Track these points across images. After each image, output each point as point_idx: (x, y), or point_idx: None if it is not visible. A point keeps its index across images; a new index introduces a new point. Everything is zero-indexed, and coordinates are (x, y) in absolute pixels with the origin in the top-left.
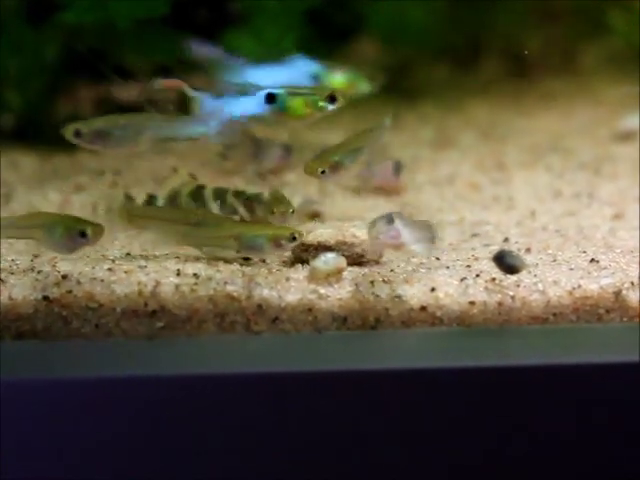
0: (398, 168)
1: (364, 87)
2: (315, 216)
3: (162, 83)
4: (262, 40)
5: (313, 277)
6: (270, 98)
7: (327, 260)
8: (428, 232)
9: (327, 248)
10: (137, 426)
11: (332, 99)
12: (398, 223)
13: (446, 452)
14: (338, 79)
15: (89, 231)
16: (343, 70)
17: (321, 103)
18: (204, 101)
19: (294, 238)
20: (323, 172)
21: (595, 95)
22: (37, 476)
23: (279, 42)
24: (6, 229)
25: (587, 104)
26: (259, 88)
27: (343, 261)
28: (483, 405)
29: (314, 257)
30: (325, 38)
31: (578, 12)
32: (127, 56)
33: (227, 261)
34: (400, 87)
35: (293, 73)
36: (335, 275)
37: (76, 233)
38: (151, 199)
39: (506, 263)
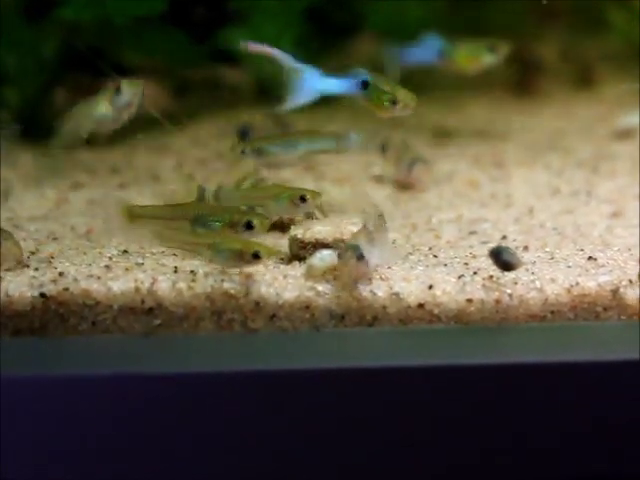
0: (412, 164)
1: (488, 59)
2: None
3: (251, 47)
4: (260, 38)
5: (310, 274)
6: (364, 84)
7: (323, 257)
8: (385, 237)
9: (325, 245)
10: (134, 423)
11: (393, 102)
12: (367, 254)
13: (444, 450)
14: (462, 52)
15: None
16: (467, 44)
17: (386, 103)
18: (305, 74)
19: (257, 256)
20: (243, 152)
21: (594, 93)
22: (35, 472)
23: (277, 40)
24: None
25: (586, 102)
26: (358, 73)
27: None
28: (481, 403)
29: (312, 254)
30: (324, 36)
31: (578, 10)
32: (125, 54)
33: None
34: (399, 84)
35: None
36: (332, 272)
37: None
38: (219, 190)
39: (502, 259)
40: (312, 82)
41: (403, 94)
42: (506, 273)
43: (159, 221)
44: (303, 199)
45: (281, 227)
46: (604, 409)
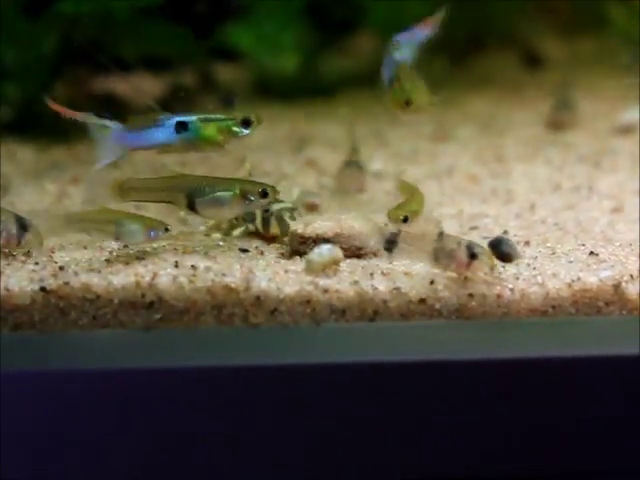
0: (360, 168)
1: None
2: (313, 208)
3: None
4: (260, 33)
5: (309, 269)
6: (181, 127)
7: (321, 252)
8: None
9: (325, 240)
10: (135, 418)
11: (246, 123)
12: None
13: (445, 444)
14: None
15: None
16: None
17: (235, 128)
18: (113, 132)
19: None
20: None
21: (595, 88)
22: (35, 467)
23: (278, 36)
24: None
25: (587, 97)
26: (169, 117)
27: (339, 252)
28: (482, 398)
29: (312, 249)
30: (324, 32)
31: (578, 6)
32: (125, 47)
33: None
34: None
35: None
36: (331, 266)
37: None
38: None
39: (501, 250)
40: (120, 139)
41: (242, 115)
42: (506, 266)
43: (151, 194)
44: (264, 194)
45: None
46: (605, 404)
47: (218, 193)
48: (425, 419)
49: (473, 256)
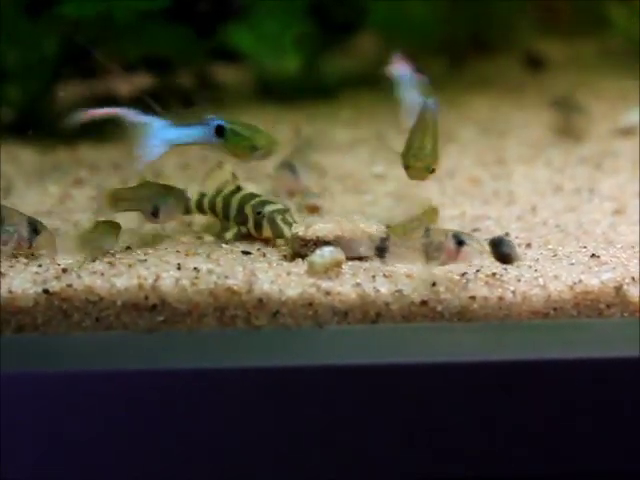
0: (294, 171)
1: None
2: (314, 210)
3: (89, 113)
4: (262, 34)
5: (311, 271)
6: (219, 131)
7: (323, 253)
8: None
9: (326, 243)
10: (137, 419)
11: (253, 149)
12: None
13: (446, 446)
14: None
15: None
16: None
17: (247, 150)
18: (151, 127)
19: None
20: None
21: (595, 90)
22: (37, 468)
23: (279, 36)
24: None
25: (588, 99)
26: (211, 119)
27: (341, 254)
28: (484, 400)
29: (313, 252)
30: (326, 33)
31: (578, 7)
32: (127, 49)
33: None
34: None
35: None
36: (334, 268)
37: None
38: (202, 197)
39: (501, 251)
40: (162, 134)
41: (263, 139)
42: (508, 268)
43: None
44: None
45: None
46: (607, 406)
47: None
48: (427, 421)
49: (460, 243)
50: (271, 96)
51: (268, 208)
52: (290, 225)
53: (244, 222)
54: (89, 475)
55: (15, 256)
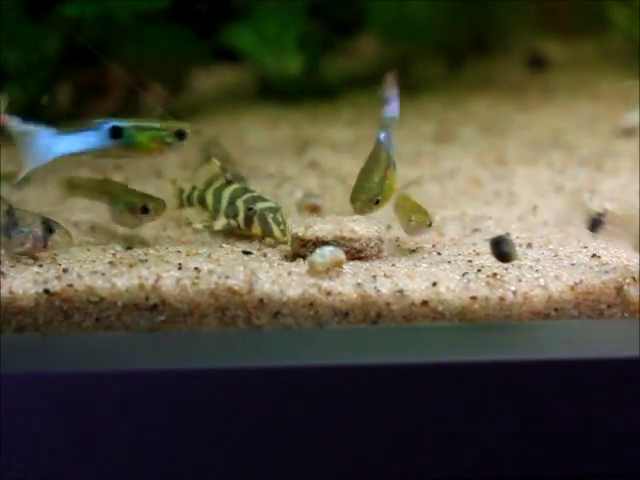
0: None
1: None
2: (315, 210)
3: None
4: (263, 35)
5: (312, 270)
6: (116, 132)
7: (323, 253)
8: None
9: (325, 243)
10: (138, 420)
11: (180, 135)
12: None
13: (446, 447)
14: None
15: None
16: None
17: (169, 139)
18: (35, 136)
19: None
20: None
21: (596, 90)
22: (37, 468)
23: (280, 37)
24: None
25: (588, 99)
26: (104, 122)
27: (341, 254)
28: (484, 400)
29: (312, 252)
30: (327, 34)
31: (578, 8)
32: (128, 50)
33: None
34: (401, 82)
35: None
36: (334, 268)
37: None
38: (193, 190)
39: (500, 249)
40: (47, 144)
41: (186, 125)
42: (509, 269)
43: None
44: (145, 209)
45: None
46: (608, 406)
47: (113, 205)
48: (427, 421)
49: None
50: (272, 96)
51: (260, 205)
52: (280, 224)
53: (234, 216)
54: (89, 475)
55: (35, 258)
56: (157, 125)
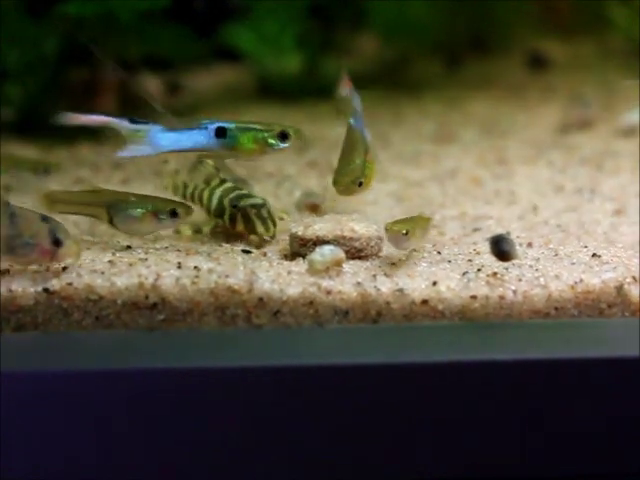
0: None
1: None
2: (314, 209)
3: (77, 118)
4: (262, 34)
5: (311, 269)
6: (220, 132)
7: (323, 252)
8: None
9: (325, 243)
10: (137, 418)
11: (283, 137)
12: None
13: (446, 445)
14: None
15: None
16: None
17: (271, 140)
18: (147, 133)
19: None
20: None
21: (596, 90)
22: (37, 466)
23: (279, 36)
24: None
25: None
26: (209, 122)
27: (341, 253)
28: (484, 399)
29: (312, 252)
30: (326, 33)
31: (578, 7)
32: (128, 48)
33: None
34: (401, 82)
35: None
36: (334, 267)
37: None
38: (185, 189)
39: (500, 247)
40: (157, 140)
41: (289, 128)
42: (509, 268)
43: (76, 207)
44: (174, 214)
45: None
46: (608, 406)
47: (130, 210)
48: (427, 420)
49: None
50: (272, 96)
51: (245, 202)
52: (265, 221)
53: (222, 214)
54: (89, 474)
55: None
56: (260, 126)
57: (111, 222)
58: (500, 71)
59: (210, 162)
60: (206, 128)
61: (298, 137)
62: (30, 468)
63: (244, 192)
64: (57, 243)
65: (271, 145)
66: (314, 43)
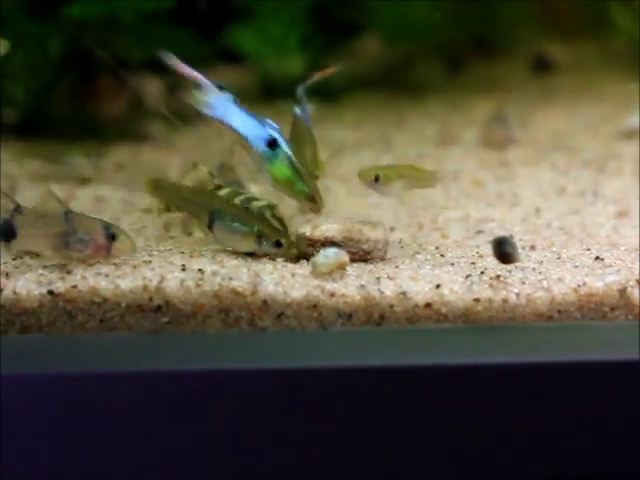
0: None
1: None
2: (316, 211)
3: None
4: (265, 36)
5: (316, 272)
6: (272, 144)
7: (327, 254)
8: None
9: (334, 244)
10: (141, 421)
11: (310, 199)
12: None
13: (449, 449)
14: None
15: None
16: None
17: (301, 195)
18: (218, 97)
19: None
20: None
21: (598, 93)
22: (39, 470)
23: (282, 38)
24: None
25: (591, 101)
26: (272, 125)
27: (345, 256)
28: (487, 402)
29: (317, 254)
30: (329, 35)
31: (580, 9)
32: (131, 51)
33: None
34: (404, 84)
35: None
36: (339, 270)
37: None
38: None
39: (503, 249)
40: (223, 104)
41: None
42: (512, 271)
43: (180, 200)
44: (279, 244)
45: None
46: (611, 409)
47: (236, 224)
48: (430, 423)
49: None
50: (275, 97)
51: (255, 204)
52: (281, 222)
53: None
54: (92, 477)
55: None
56: (303, 174)
57: (209, 227)
58: (503, 73)
59: (203, 168)
60: (264, 129)
61: (317, 200)
62: (33, 471)
63: (249, 195)
64: (112, 238)
65: (297, 196)
66: (317, 45)
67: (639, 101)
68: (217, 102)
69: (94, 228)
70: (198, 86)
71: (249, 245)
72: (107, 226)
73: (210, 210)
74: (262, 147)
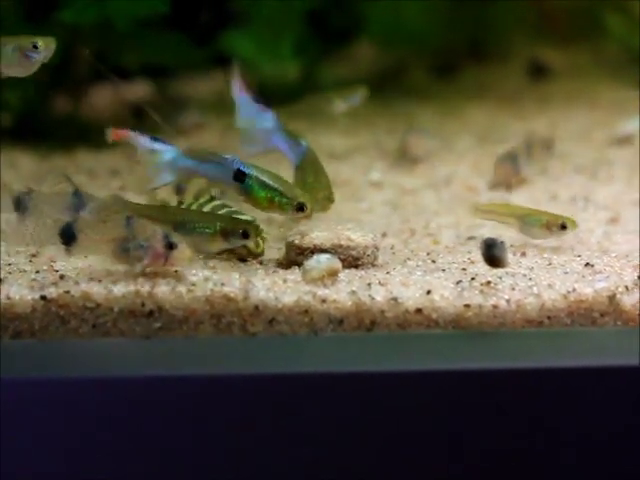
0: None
1: None
2: (307, 218)
3: (112, 133)
4: (260, 41)
5: (307, 277)
6: (239, 176)
7: (319, 259)
8: None
9: (322, 251)
10: (134, 426)
11: (300, 208)
12: None
13: (440, 455)
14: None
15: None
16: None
17: (287, 208)
18: (163, 155)
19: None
20: None
21: (592, 99)
22: (35, 475)
23: (277, 43)
24: None
25: (584, 107)
26: (232, 160)
27: (337, 262)
28: (478, 408)
29: (308, 260)
30: (323, 40)
31: (574, 16)
32: (125, 56)
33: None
34: (397, 89)
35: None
36: (330, 276)
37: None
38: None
39: (492, 253)
40: (174, 163)
41: (305, 196)
42: (503, 277)
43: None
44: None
45: None
46: (601, 415)
47: (199, 229)
48: (421, 429)
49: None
50: (270, 102)
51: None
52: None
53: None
54: None
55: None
56: (282, 188)
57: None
58: (497, 78)
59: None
60: (225, 165)
61: (306, 206)
62: (29, 475)
63: (234, 209)
64: (170, 246)
65: (284, 211)
66: (311, 50)
67: (639, 108)
68: (174, 163)
69: (154, 235)
70: (153, 151)
71: (217, 244)
72: (167, 234)
73: (173, 225)
74: (232, 182)
